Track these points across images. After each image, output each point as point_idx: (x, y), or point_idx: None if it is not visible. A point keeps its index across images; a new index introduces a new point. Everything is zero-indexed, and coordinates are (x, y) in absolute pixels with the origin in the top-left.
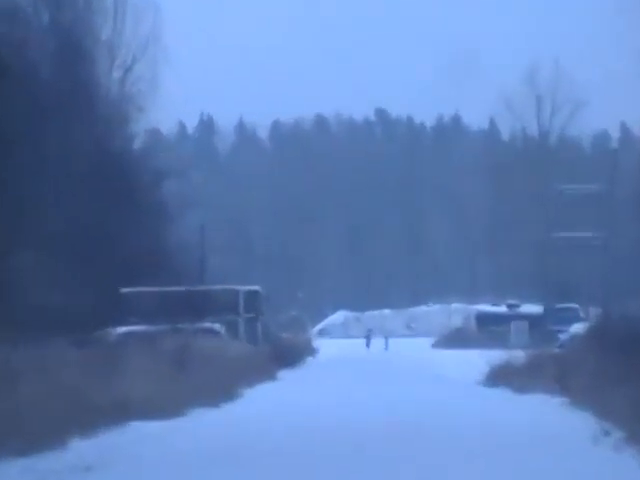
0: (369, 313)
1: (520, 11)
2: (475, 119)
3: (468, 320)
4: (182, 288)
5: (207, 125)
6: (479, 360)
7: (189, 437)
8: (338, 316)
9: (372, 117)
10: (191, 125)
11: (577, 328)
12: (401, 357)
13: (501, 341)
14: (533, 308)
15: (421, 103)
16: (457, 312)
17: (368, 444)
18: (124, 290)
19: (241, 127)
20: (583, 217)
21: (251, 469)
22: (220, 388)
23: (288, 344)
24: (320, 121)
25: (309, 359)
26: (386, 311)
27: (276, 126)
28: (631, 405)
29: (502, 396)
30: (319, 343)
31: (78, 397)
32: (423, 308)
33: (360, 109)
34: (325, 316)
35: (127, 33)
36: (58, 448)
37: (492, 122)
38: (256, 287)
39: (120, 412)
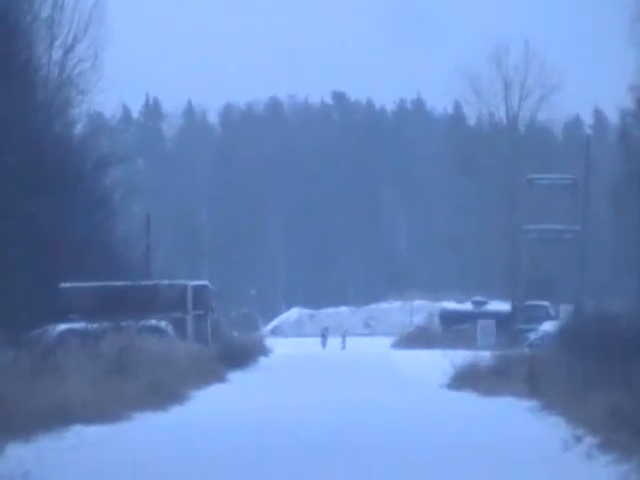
0: (325, 310)
1: None
2: (439, 103)
3: (431, 318)
4: (126, 283)
5: (153, 109)
6: (443, 361)
7: (135, 442)
8: (292, 313)
9: (329, 100)
10: (136, 109)
11: (547, 327)
12: (359, 357)
13: (467, 341)
14: (501, 306)
15: (381, 86)
16: (419, 310)
17: (315, 456)
18: (63, 285)
19: (189, 111)
20: (555, 209)
21: (201, 476)
22: (167, 390)
23: (239, 343)
24: (274, 105)
25: (262, 359)
26: (343, 308)
27: (227, 110)
28: (604, 409)
29: (467, 400)
30: (272, 342)
31: (14, 400)
32: (383, 305)
33: (316, 92)
34: (278, 313)
35: (68, 11)
36: None
37: (457, 106)
38: (205, 282)
39: (60, 416)
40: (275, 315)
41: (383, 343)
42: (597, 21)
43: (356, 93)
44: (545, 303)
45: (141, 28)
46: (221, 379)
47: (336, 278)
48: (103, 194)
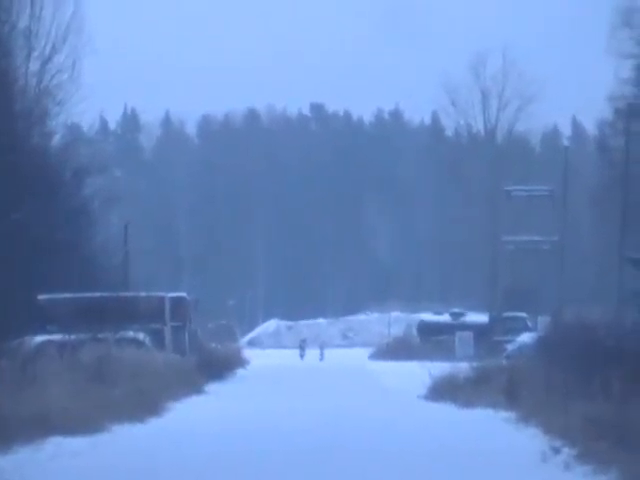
0: (303, 322)
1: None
2: (417, 114)
3: (409, 329)
4: (104, 294)
5: (131, 119)
6: (421, 372)
7: (113, 454)
8: (270, 325)
9: (307, 112)
10: (114, 120)
11: (525, 338)
12: (337, 369)
13: (445, 352)
14: (479, 317)
15: (359, 97)
16: (397, 321)
17: (293, 466)
18: (41, 297)
19: (167, 121)
20: (534, 219)
21: None
22: (145, 402)
23: (217, 355)
24: (252, 115)
25: (240, 371)
26: (321, 320)
27: (205, 120)
28: (583, 419)
29: (446, 411)
30: (250, 354)
31: None
32: (361, 317)
33: (294, 103)
34: (256, 325)
35: (46, 22)
36: None
37: (435, 117)
38: (183, 293)
39: (38, 427)
40: (253, 326)
41: (361, 354)
42: (575, 32)
43: (334, 104)
44: (523, 314)
45: (119, 39)
46: (199, 391)
47: (314, 289)
48: (82, 204)
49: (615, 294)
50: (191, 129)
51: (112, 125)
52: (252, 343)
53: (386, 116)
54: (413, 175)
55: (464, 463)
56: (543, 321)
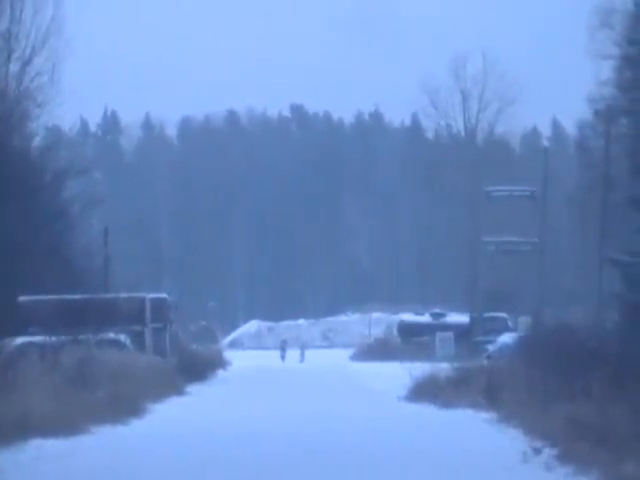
0: (284, 323)
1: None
2: (397, 115)
3: (390, 330)
4: (84, 296)
5: (111, 121)
6: (401, 373)
7: (94, 456)
8: (251, 326)
9: (287, 113)
10: (94, 122)
11: (505, 339)
12: (318, 370)
13: (425, 353)
14: (459, 318)
15: (339, 99)
16: (378, 322)
17: (273, 467)
18: (22, 298)
19: (147, 123)
20: (514, 220)
21: None
22: (126, 403)
23: (198, 356)
24: (232, 117)
25: (220, 372)
26: (301, 321)
27: (185, 122)
28: (564, 420)
29: (426, 412)
30: (231, 355)
31: None
32: (341, 317)
33: (275, 105)
34: (237, 326)
35: (26, 24)
36: None
37: (415, 118)
38: (164, 295)
39: (19, 429)
40: (234, 328)
41: (342, 355)
42: (555, 33)
43: (314, 106)
44: (504, 315)
45: (99, 42)
46: (180, 392)
47: (295, 290)
48: (62, 207)
49: (595, 295)
50: (171, 131)
51: (92, 127)
52: (233, 344)
53: (366, 117)
54: (393, 176)
55: (445, 464)
56: (524, 321)
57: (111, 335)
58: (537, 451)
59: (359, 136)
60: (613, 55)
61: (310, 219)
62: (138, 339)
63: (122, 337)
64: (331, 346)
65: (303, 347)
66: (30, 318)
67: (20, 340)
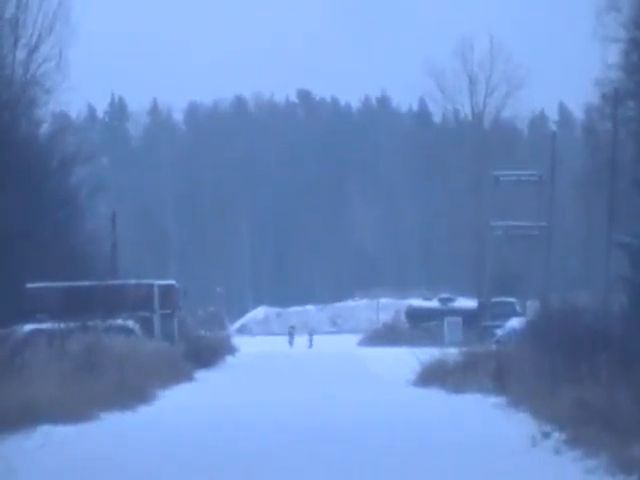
0: (292, 309)
1: None
2: (404, 100)
3: (398, 315)
4: (92, 283)
5: (118, 108)
6: (410, 358)
7: (103, 442)
8: (259, 312)
9: (294, 98)
10: (101, 108)
11: (514, 323)
12: (326, 355)
13: (434, 338)
14: (468, 303)
15: (346, 84)
16: (386, 307)
17: (284, 453)
18: (30, 285)
19: (155, 109)
20: (521, 205)
21: (169, 475)
22: (134, 389)
23: (206, 342)
24: (239, 103)
25: (229, 358)
26: (309, 307)
27: (192, 108)
28: (572, 404)
29: (434, 397)
30: (239, 341)
31: None
32: (349, 303)
33: (282, 90)
34: (245, 312)
35: (33, 10)
36: None
37: (422, 103)
38: (172, 281)
39: (28, 416)
40: (242, 313)
41: (350, 341)
42: (562, 16)
43: (321, 91)
44: (512, 299)
45: (106, 27)
46: (188, 378)
47: (302, 276)
48: (69, 193)
49: (603, 278)
50: (178, 117)
51: (100, 113)
52: (241, 330)
53: (374, 102)
54: (400, 160)
55: (453, 448)
56: (532, 306)
57: (119, 321)
58: (546, 435)
59: (366, 121)
60: (620, 38)
61: (317, 204)
62: (147, 325)
63: (130, 323)
64: (339, 332)
65: (311, 333)
66: (38, 305)
67: (28, 327)
